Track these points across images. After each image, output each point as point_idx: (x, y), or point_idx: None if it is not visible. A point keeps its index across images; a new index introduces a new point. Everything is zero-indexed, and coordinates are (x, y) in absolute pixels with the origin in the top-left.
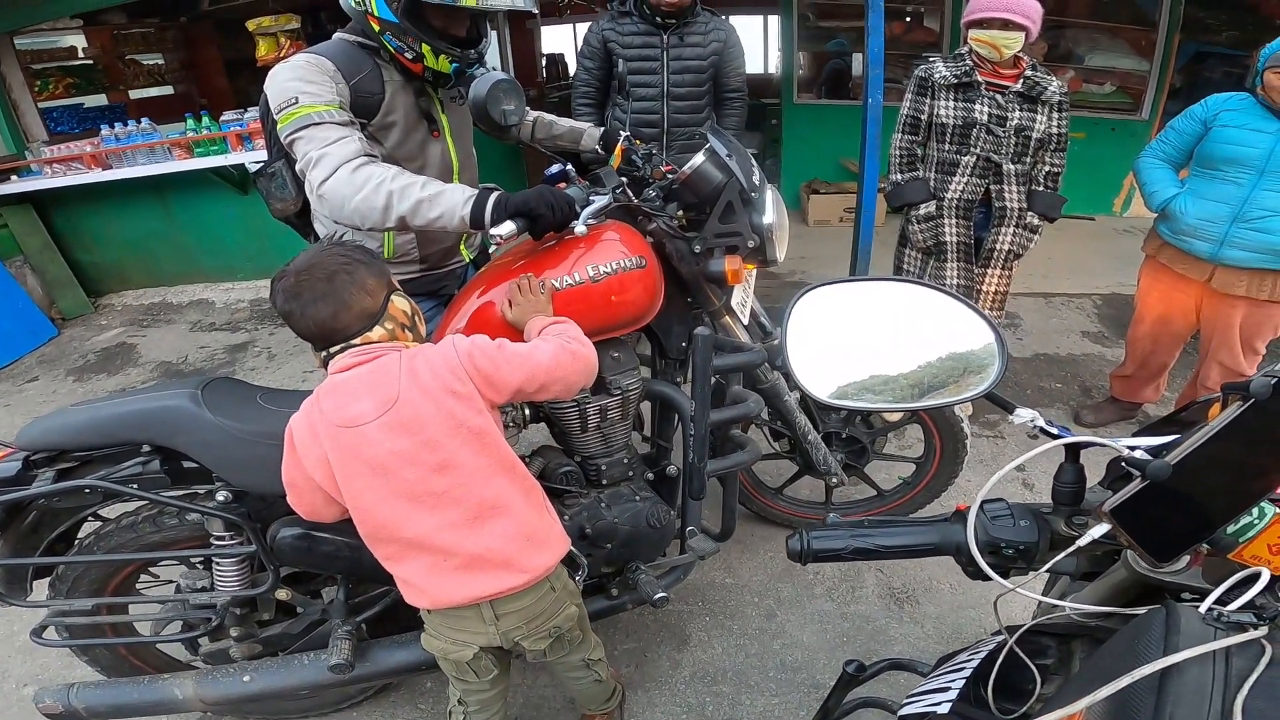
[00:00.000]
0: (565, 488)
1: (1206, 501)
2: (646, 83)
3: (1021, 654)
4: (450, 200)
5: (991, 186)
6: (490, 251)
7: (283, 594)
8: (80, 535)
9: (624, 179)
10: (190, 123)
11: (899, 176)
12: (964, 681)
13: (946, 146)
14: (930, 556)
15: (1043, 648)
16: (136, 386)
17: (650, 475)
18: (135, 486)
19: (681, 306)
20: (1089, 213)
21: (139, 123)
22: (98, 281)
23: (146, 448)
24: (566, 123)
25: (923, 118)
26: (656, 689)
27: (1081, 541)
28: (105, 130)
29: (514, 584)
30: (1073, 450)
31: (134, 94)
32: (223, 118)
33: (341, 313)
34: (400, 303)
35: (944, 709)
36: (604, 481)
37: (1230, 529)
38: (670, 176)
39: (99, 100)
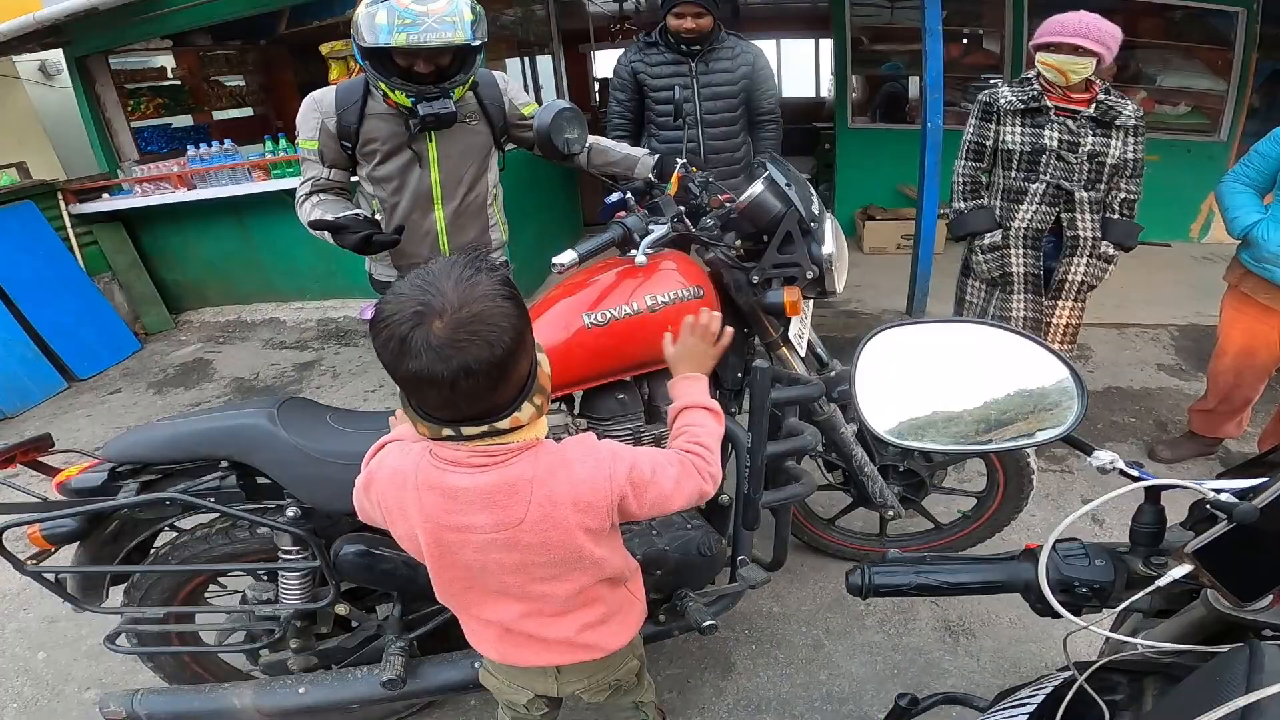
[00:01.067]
0: None
1: None
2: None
3: (1091, 691)
4: (324, 215)
5: (1062, 215)
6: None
7: (341, 609)
8: (156, 545)
9: (681, 208)
10: (269, 144)
11: (962, 205)
12: (1027, 718)
13: (1014, 173)
14: (997, 593)
15: (1112, 684)
16: (212, 401)
17: (702, 504)
18: (212, 500)
19: (738, 337)
20: (1165, 239)
21: (222, 144)
22: (179, 299)
23: (225, 463)
24: (622, 149)
25: (987, 144)
26: (699, 716)
27: (1161, 582)
28: (191, 151)
29: (587, 658)
30: (1153, 491)
31: (217, 115)
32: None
33: (504, 387)
34: (545, 364)
35: None
36: None
37: None
38: (728, 206)
39: (185, 121)
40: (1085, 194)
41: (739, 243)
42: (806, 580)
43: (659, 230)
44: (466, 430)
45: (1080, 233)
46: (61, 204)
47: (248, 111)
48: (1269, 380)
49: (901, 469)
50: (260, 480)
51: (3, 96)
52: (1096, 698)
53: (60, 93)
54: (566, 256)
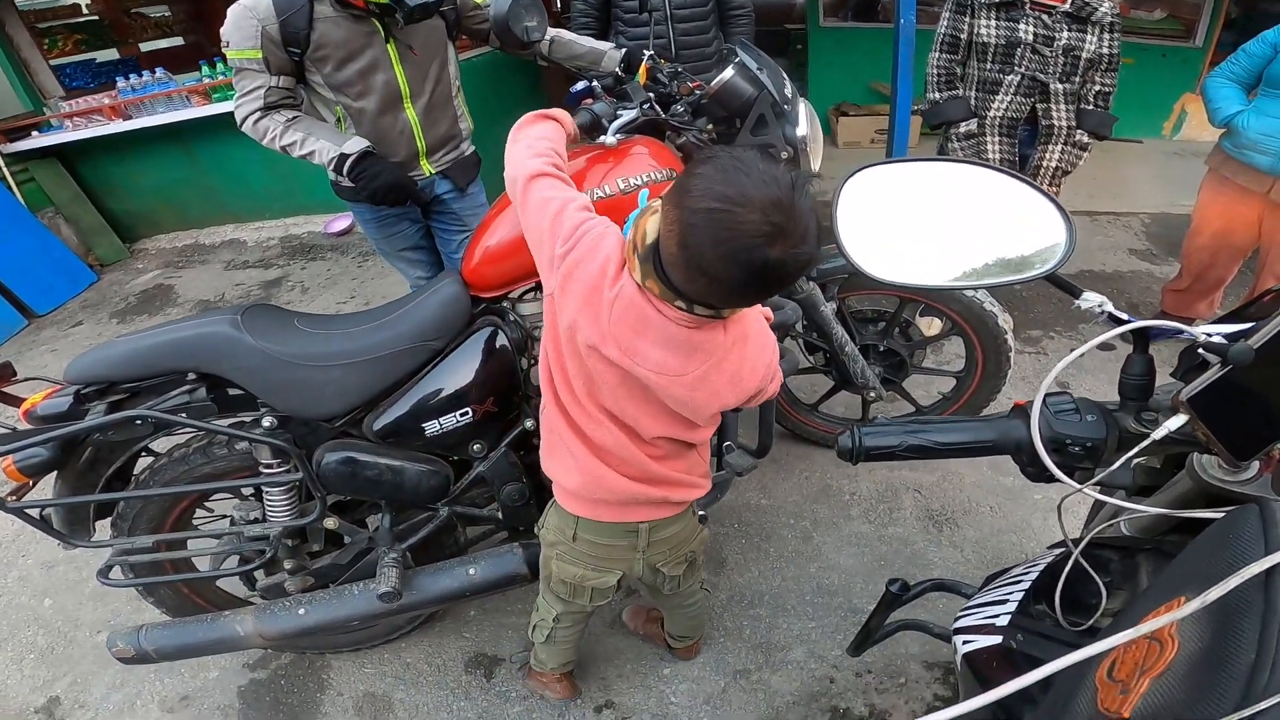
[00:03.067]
0: None
1: None
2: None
3: (1088, 566)
4: (324, 153)
5: (1038, 105)
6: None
7: (330, 523)
8: (136, 472)
9: (651, 95)
10: (205, 70)
11: (937, 95)
12: (1022, 594)
13: (989, 65)
14: (987, 455)
15: (1104, 561)
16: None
17: None
18: (184, 415)
19: None
20: (1137, 136)
21: (153, 73)
22: (131, 228)
23: (192, 375)
24: (587, 42)
25: (962, 37)
26: None
27: (1157, 434)
28: (121, 82)
29: (667, 509)
30: (1142, 339)
31: (145, 47)
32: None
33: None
34: None
35: (1002, 620)
36: None
37: None
38: (698, 92)
39: (111, 55)
40: (1060, 86)
41: (711, 128)
42: (792, 470)
43: (628, 114)
44: (699, 310)
45: (1055, 122)
46: None
47: (179, 41)
48: (1242, 262)
49: (882, 349)
50: (233, 392)
51: None
52: (1092, 573)
53: None
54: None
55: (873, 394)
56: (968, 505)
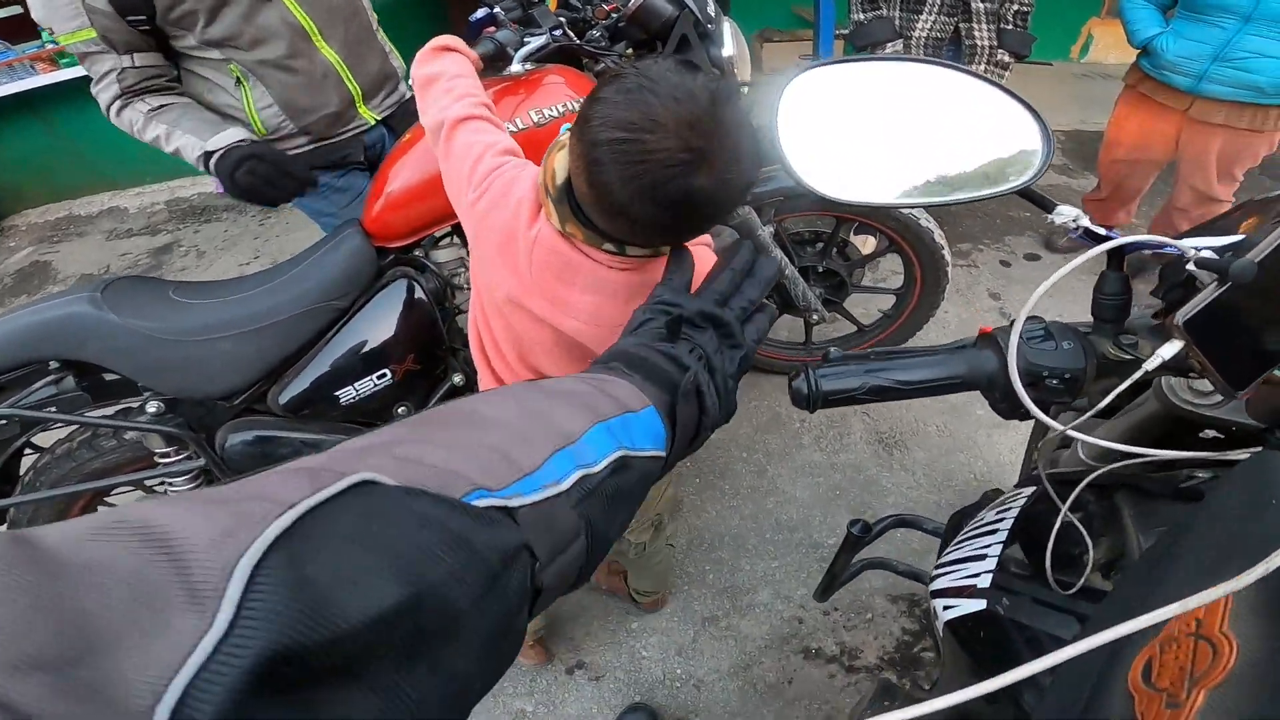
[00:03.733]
0: None
1: None
2: None
3: (1078, 524)
4: (190, 150)
5: (960, 24)
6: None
7: None
8: (21, 474)
9: (563, 20)
10: (46, 35)
11: (861, 16)
12: (1000, 547)
13: None
14: (956, 392)
15: (1081, 502)
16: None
17: None
18: (54, 410)
19: None
20: (1047, 59)
21: None
22: None
23: (55, 364)
24: None
25: None
26: None
27: (1150, 365)
28: None
29: None
30: (1117, 255)
31: None
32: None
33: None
34: None
35: (984, 582)
36: None
37: None
38: (615, 15)
39: None
40: (982, 4)
41: (630, 52)
42: (742, 400)
43: (536, 41)
44: (632, 251)
45: (977, 41)
46: None
47: (16, 10)
48: (1158, 173)
49: (821, 270)
50: (108, 377)
51: None
52: (1081, 529)
53: None
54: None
55: (815, 316)
56: (915, 426)
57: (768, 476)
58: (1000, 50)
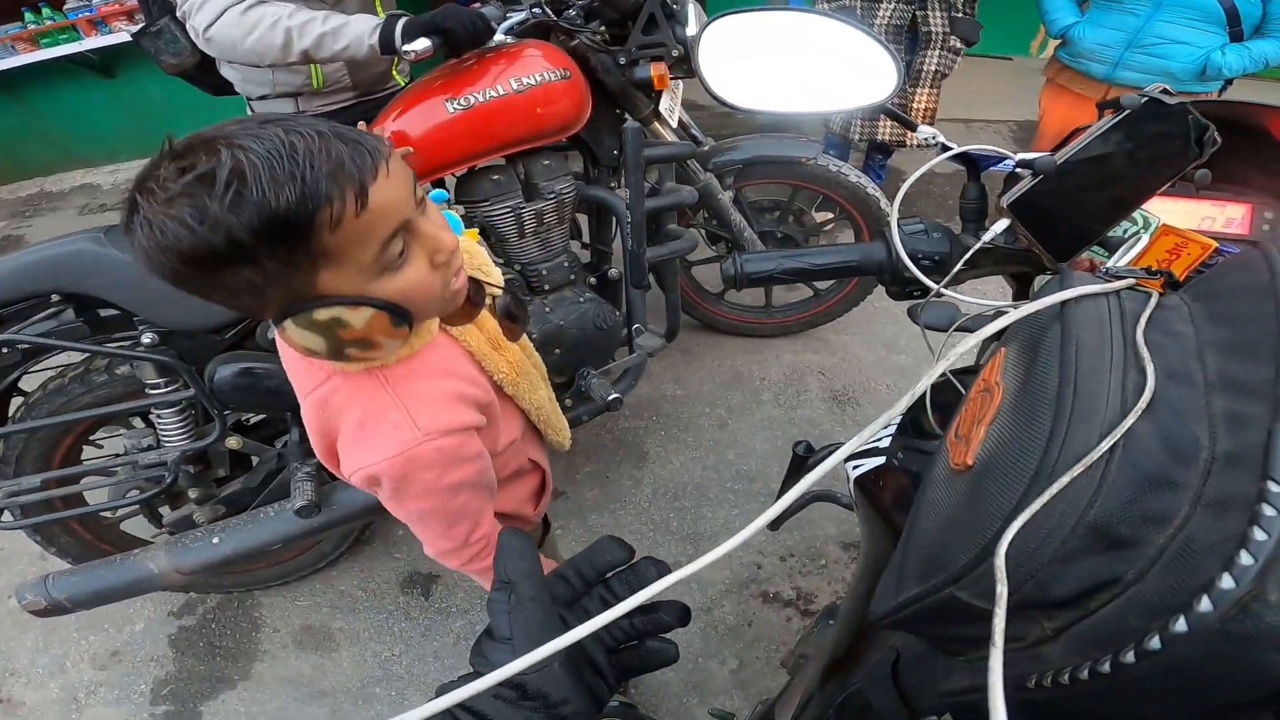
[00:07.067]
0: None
1: (1092, 203)
2: None
3: (955, 381)
4: (356, 30)
5: (917, 13)
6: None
7: (234, 443)
8: (10, 413)
9: None
10: (29, 15)
11: (825, 4)
12: (900, 418)
13: None
14: (854, 275)
15: (973, 370)
16: None
17: (593, 280)
18: (54, 339)
19: (610, 118)
20: (1007, 54)
21: None
22: None
23: (56, 297)
24: None
25: None
26: (622, 509)
27: (986, 237)
28: None
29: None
30: (973, 169)
31: None
32: (67, 6)
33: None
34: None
35: (884, 443)
36: (546, 287)
37: (1116, 233)
38: None
39: None
40: None
41: (603, 29)
42: (704, 359)
43: (518, 15)
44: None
45: (932, 28)
46: None
47: None
48: None
49: (779, 235)
50: (105, 313)
51: None
52: (955, 382)
53: None
54: (419, 44)
55: (747, 247)
56: (866, 384)
57: (729, 430)
58: (952, 37)
